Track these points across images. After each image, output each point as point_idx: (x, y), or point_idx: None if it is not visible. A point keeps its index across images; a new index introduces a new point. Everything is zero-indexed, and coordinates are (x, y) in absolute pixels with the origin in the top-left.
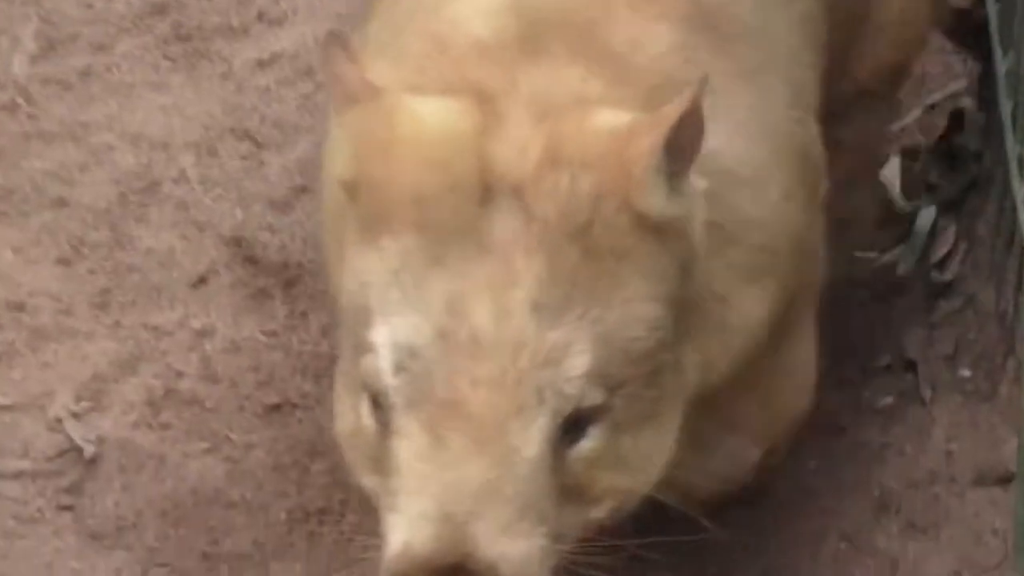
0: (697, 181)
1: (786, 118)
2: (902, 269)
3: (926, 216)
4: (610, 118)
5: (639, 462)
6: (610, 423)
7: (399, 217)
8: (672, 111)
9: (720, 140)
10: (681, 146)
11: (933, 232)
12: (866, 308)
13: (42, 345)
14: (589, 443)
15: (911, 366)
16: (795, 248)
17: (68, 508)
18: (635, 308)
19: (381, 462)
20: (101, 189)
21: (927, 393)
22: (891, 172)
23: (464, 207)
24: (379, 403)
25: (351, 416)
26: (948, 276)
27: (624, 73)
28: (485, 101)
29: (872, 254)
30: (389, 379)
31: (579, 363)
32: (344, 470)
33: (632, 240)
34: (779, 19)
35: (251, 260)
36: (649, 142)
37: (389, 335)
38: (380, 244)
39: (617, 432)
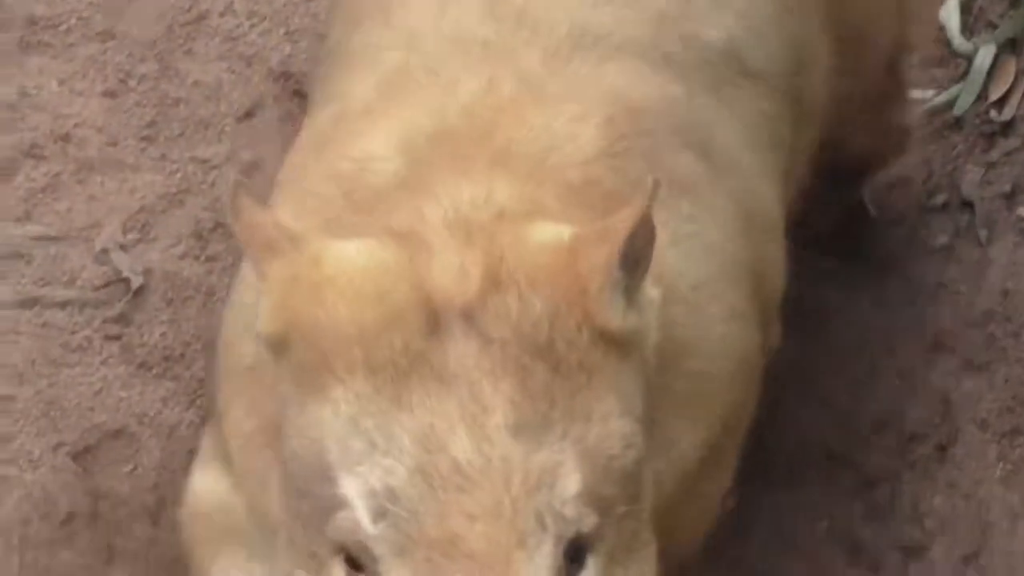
0: (651, 291)
1: (733, 235)
2: (959, 109)
3: (985, 54)
4: (548, 230)
5: None
6: (605, 552)
7: (344, 362)
8: (623, 221)
9: (656, 252)
10: (635, 257)
11: (992, 71)
12: (923, 147)
13: (88, 177)
14: (588, 572)
15: (967, 205)
16: (736, 371)
17: (115, 338)
18: (612, 424)
19: None
20: (148, 21)
21: (983, 233)
22: (949, 10)
23: (413, 340)
24: (360, 562)
25: None
26: (1006, 115)
27: (540, 175)
28: (404, 236)
29: (929, 92)
30: (370, 530)
31: (571, 483)
32: None
33: (597, 355)
34: (725, 127)
35: (299, 94)
36: (603, 256)
37: (361, 484)
38: (328, 395)
39: (612, 563)
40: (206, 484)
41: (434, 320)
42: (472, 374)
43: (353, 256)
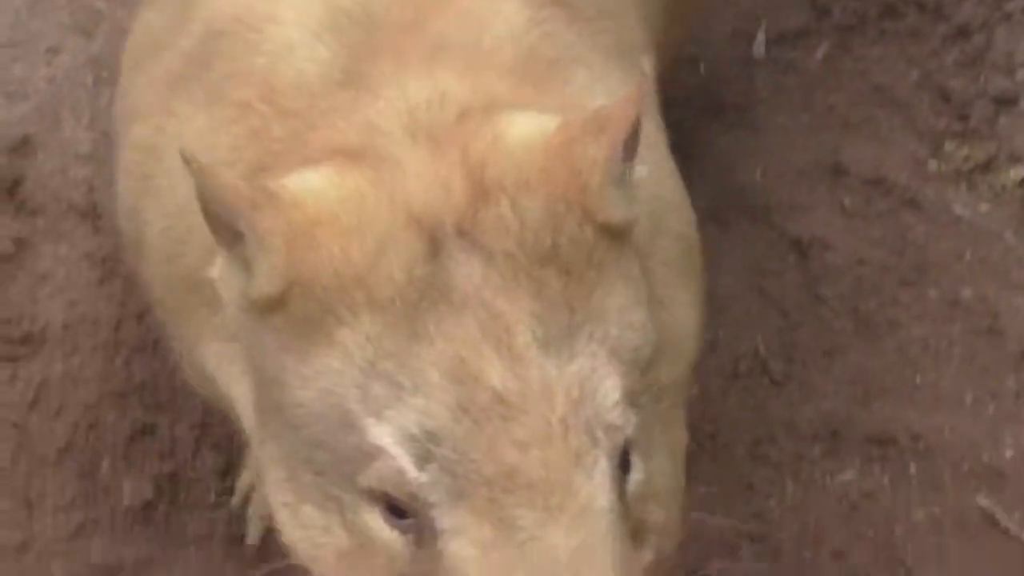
0: (639, 169)
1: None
2: None
3: None
4: (524, 125)
5: (669, 491)
6: (643, 447)
7: (348, 305)
8: (622, 110)
9: None
10: (632, 145)
11: None
12: None
13: None
14: (636, 475)
15: None
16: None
17: None
18: (629, 316)
19: (415, 575)
20: None
21: None
22: None
23: (414, 268)
24: (407, 510)
25: (338, 537)
26: None
27: (481, 61)
28: (362, 153)
29: None
30: (417, 477)
31: (611, 388)
32: None
33: (603, 250)
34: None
35: None
36: (603, 149)
37: (395, 430)
38: (334, 341)
39: (646, 459)
40: None
41: (430, 242)
42: (484, 293)
43: (326, 189)
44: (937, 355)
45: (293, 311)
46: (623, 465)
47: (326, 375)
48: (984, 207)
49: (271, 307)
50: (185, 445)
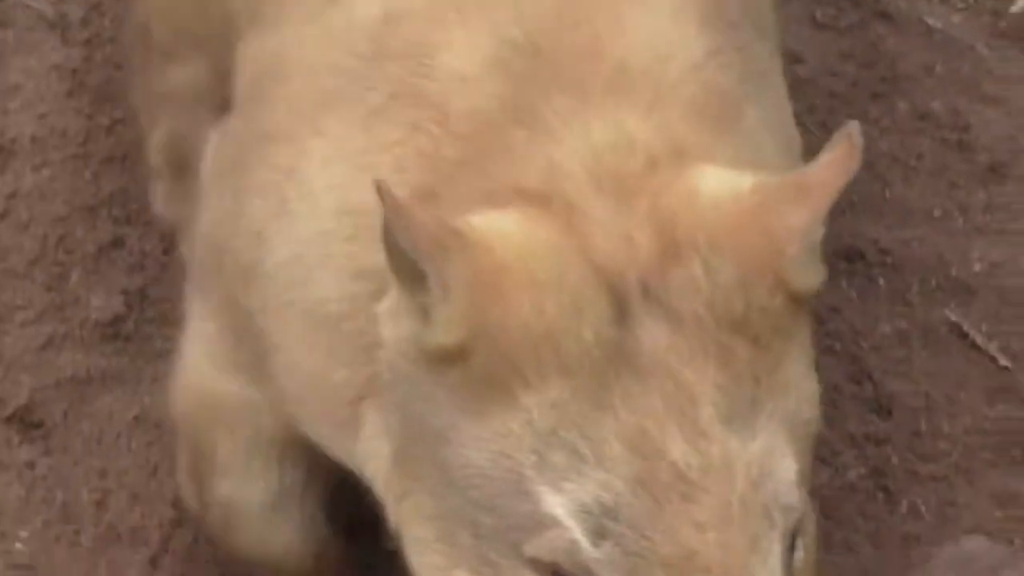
0: None
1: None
2: None
3: None
4: (718, 180)
5: (813, 564)
6: (802, 526)
7: (536, 366)
8: (826, 176)
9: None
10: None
11: None
12: None
13: None
14: (800, 553)
15: None
16: None
17: None
18: (805, 387)
19: None
20: None
21: None
22: None
23: (603, 329)
24: None
25: None
26: None
27: (665, 98)
28: (546, 197)
29: None
30: (592, 552)
31: (788, 467)
32: None
33: (789, 318)
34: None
35: None
36: (804, 215)
37: (572, 502)
38: (518, 404)
39: (804, 536)
40: (219, 385)
41: (617, 303)
42: (671, 361)
43: (515, 234)
44: (906, 168)
45: (473, 366)
46: (792, 545)
47: (504, 439)
48: (956, 18)
49: (448, 359)
50: (154, 260)
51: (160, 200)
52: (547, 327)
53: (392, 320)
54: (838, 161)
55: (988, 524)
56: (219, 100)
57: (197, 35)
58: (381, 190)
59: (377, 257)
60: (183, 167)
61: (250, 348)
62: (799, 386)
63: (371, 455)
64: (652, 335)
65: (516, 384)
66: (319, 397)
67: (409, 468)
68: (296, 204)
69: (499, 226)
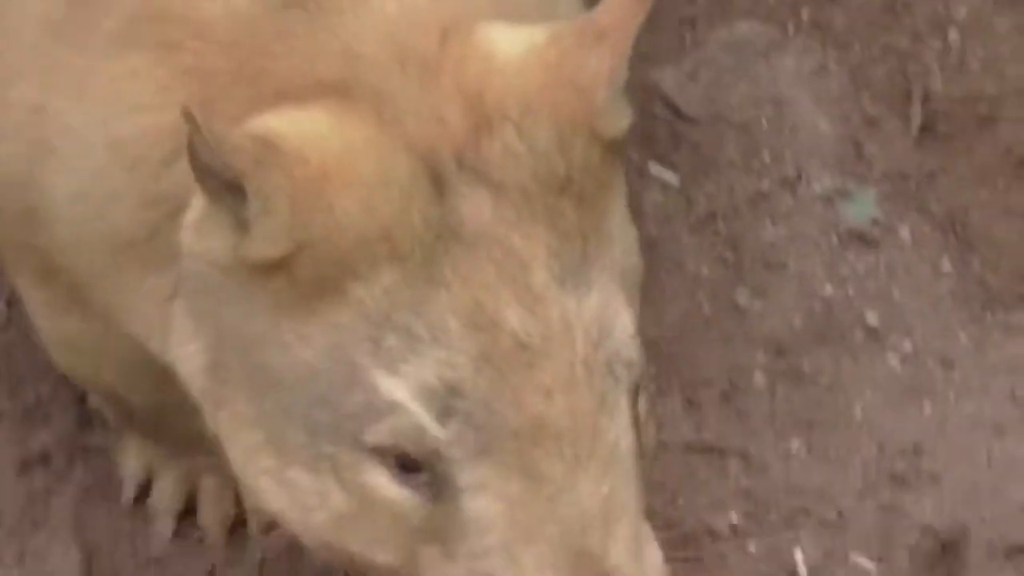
0: None
1: None
2: None
3: None
4: (512, 39)
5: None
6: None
7: (368, 261)
8: (616, 14)
9: None
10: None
11: None
12: None
13: None
14: (643, 403)
15: None
16: None
17: None
18: (627, 235)
19: (426, 532)
20: None
21: None
22: None
23: (426, 210)
24: (422, 467)
25: (334, 500)
26: None
27: None
28: (347, 88)
29: None
30: (438, 433)
31: (625, 321)
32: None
33: (607, 168)
34: None
35: None
36: (605, 59)
37: (412, 384)
38: (347, 298)
39: (644, 389)
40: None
41: (436, 181)
42: (497, 231)
43: (328, 136)
44: None
45: (298, 272)
46: (635, 401)
47: (336, 331)
48: None
49: (272, 268)
50: None
51: None
52: (378, 223)
53: (198, 232)
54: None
55: (761, 9)
56: None
57: None
58: (186, 114)
59: (164, 183)
60: None
61: (63, 283)
62: (623, 235)
63: (183, 359)
64: (475, 207)
65: (347, 279)
66: (135, 306)
67: (227, 375)
68: (59, 142)
69: (310, 129)
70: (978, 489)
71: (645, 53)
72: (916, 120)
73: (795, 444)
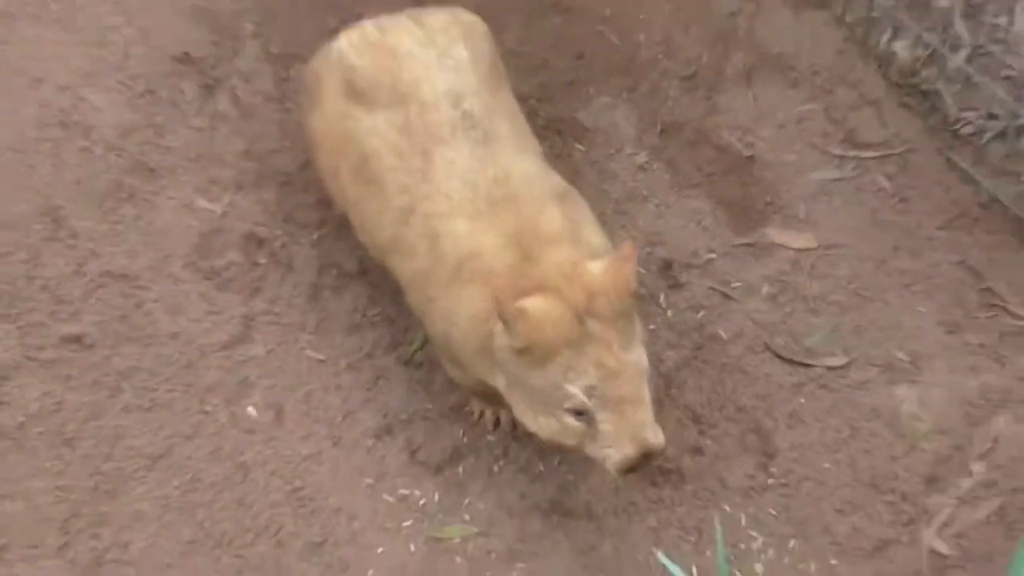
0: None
1: None
2: None
3: None
4: (596, 265)
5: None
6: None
7: (556, 349)
8: (629, 252)
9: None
10: None
11: None
12: None
13: None
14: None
15: None
16: None
17: None
18: (640, 326)
19: (583, 436)
20: None
21: None
22: None
23: (576, 330)
24: (581, 413)
25: (550, 425)
26: None
27: (563, 238)
28: (547, 288)
29: None
30: (586, 402)
31: (645, 358)
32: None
33: (635, 304)
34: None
35: None
36: (630, 268)
37: (580, 388)
38: (553, 360)
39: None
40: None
41: (580, 318)
42: (604, 333)
43: (540, 306)
44: None
45: (531, 354)
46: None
47: (550, 374)
48: None
49: (521, 352)
50: None
51: None
52: (561, 337)
53: (499, 339)
54: (629, 251)
55: None
56: None
57: None
58: (495, 299)
59: (487, 303)
60: None
61: (448, 353)
62: (640, 327)
63: (500, 385)
64: (594, 327)
65: (552, 355)
66: (485, 371)
67: (511, 387)
68: (455, 318)
69: (535, 305)
70: None
71: None
72: None
73: None
